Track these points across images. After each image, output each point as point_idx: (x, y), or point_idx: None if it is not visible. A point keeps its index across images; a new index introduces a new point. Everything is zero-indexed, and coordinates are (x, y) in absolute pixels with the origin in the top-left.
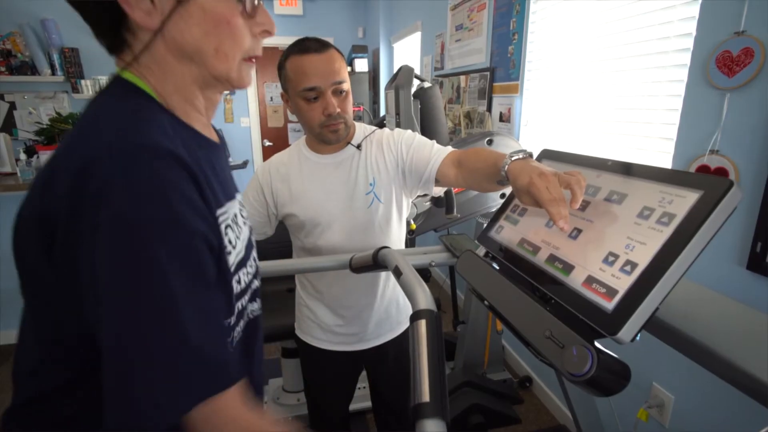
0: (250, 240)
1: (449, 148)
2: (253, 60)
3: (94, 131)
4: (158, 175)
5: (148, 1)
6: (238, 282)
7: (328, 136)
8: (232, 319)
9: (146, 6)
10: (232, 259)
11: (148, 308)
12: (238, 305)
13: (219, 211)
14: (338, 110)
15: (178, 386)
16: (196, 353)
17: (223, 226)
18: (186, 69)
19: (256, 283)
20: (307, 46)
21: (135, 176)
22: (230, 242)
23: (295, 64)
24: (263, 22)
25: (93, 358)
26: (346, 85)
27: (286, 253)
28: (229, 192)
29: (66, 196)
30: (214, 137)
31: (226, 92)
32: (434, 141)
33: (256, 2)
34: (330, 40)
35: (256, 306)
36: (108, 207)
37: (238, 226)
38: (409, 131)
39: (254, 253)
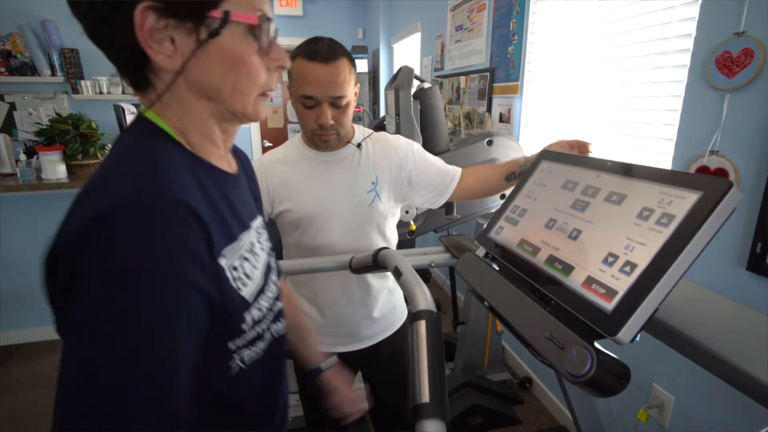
0: (268, 265)
1: (459, 168)
2: (268, 95)
3: (111, 178)
4: (166, 229)
5: (169, 44)
6: (259, 309)
7: (318, 144)
8: (238, 342)
9: (168, 49)
10: (250, 291)
11: (109, 360)
12: (257, 330)
13: (230, 247)
14: (331, 122)
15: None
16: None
17: (235, 262)
18: (204, 106)
19: (279, 305)
20: (316, 50)
21: (143, 229)
22: (246, 275)
23: (300, 67)
24: (278, 58)
25: None
26: (346, 99)
27: None
28: (243, 221)
29: (75, 239)
30: (232, 166)
31: None
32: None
33: (270, 41)
34: None
35: (280, 326)
36: (109, 253)
37: (254, 254)
38: (417, 144)
39: (273, 277)
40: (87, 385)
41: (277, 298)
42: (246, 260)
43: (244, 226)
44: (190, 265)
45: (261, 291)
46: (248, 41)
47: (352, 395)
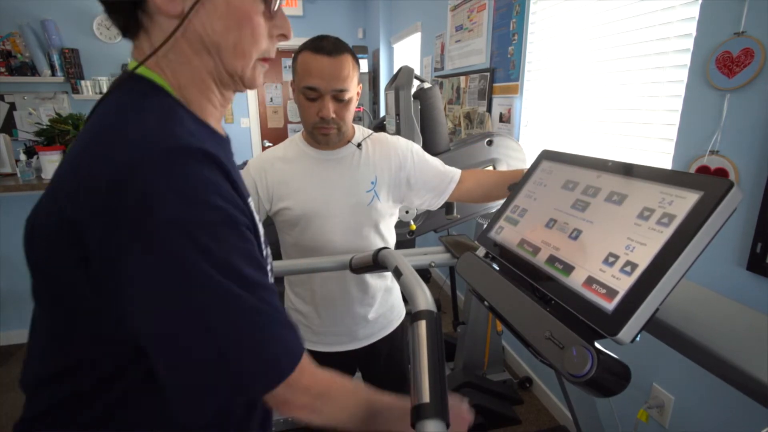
0: (265, 238)
1: (459, 170)
2: (267, 61)
3: (120, 136)
4: (198, 176)
5: None
6: (270, 274)
7: (318, 138)
8: None
9: None
10: (263, 251)
11: (217, 304)
12: None
13: (249, 201)
14: (333, 116)
15: (252, 375)
16: (266, 339)
17: (256, 217)
18: (202, 62)
19: (272, 278)
20: (322, 45)
21: (177, 180)
22: (261, 238)
23: (305, 60)
24: (282, 26)
25: (122, 364)
26: (349, 94)
27: None
28: (245, 188)
29: (102, 207)
30: (224, 133)
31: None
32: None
33: (278, 5)
34: None
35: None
36: (158, 213)
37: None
38: (417, 145)
39: (268, 250)
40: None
41: (272, 270)
42: (259, 224)
43: (248, 193)
44: (230, 207)
45: (266, 259)
46: (256, 1)
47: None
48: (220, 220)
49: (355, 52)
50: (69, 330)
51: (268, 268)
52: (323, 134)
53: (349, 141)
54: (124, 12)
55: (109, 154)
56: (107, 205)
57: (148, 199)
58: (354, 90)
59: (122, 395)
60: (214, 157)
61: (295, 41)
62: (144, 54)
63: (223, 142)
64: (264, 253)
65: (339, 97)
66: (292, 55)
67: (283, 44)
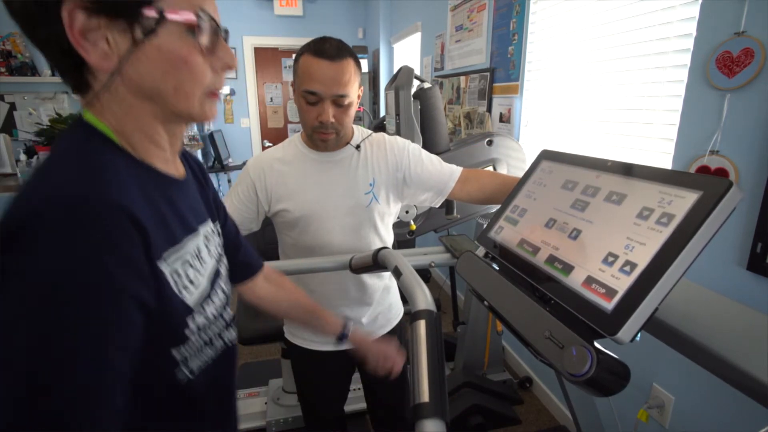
0: (217, 271)
1: (460, 167)
2: (217, 94)
3: (41, 179)
4: (96, 233)
5: (104, 45)
6: (205, 317)
7: (317, 142)
8: (184, 350)
9: (102, 49)
10: (194, 297)
11: (37, 375)
12: (204, 337)
13: (171, 251)
14: (332, 120)
15: None
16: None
17: (178, 266)
18: (146, 107)
19: (230, 311)
20: (324, 49)
21: (71, 233)
22: (190, 281)
23: (306, 63)
24: (223, 57)
25: None
26: (349, 99)
27: None
28: (189, 226)
29: (2, 245)
30: (180, 170)
31: (225, 93)
32: (438, 157)
33: (214, 40)
34: None
35: (233, 334)
36: (33, 257)
37: (201, 260)
38: (415, 144)
39: (221, 283)
40: (9, 403)
41: (226, 305)
42: (190, 266)
43: (189, 230)
44: (122, 270)
45: (207, 297)
46: (189, 41)
47: (386, 348)
48: (95, 285)
49: (356, 53)
50: None
51: (211, 301)
52: (322, 139)
53: (348, 142)
54: (72, 74)
55: (22, 198)
56: (2, 243)
57: (32, 243)
58: (354, 94)
59: None
60: (126, 210)
61: (296, 41)
62: (91, 105)
63: (169, 182)
64: (203, 290)
65: (339, 103)
66: (292, 55)
67: (282, 44)
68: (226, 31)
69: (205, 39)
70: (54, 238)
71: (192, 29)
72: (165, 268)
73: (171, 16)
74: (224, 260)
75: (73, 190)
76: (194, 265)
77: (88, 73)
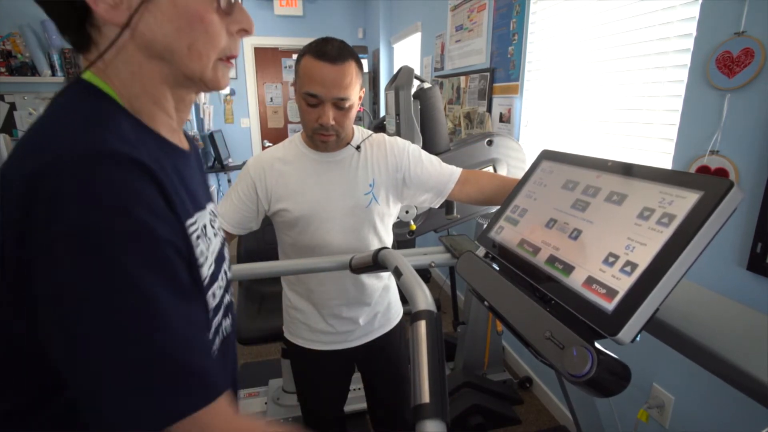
0: (221, 252)
1: (459, 168)
2: (231, 60)
3: (47, 136)
4: (116, 182)
5: None
6: (213, 297)
7: (317, 143)
8: (210, 335)
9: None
10: (205, 273)
11: (122, 321)
12: (215, 322)
13: (188, 222)
14: (332, 123)
15: (158, 402)
16: (178, 365)
17: (194, 237)
18: (156, 68)
19: (228, 298)
20: (326, 51)
21: (89, 185)
22: (202, 254)
23: (307, 65)
24: (241, 20)
25: (46, 383)
26: (350, 102)
27: None
28: (198, 202)
29: (16, 206)
30: (184, 144)
31: (225, 93)
32: (438, 158)
33: (231, 1)
34: None
35: (229, 322)
36: (61, 221)
37: (207, 237)
38: (415, 145)
39: (225, 266)
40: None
41: (226, 291)
42: (201, 240)
43: (197, 206)
44: (152, 219)
45: (214, 278)
46: None
47: None
48: (134, 231)
49: (357, 54)
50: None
51: (219, 285)
52: (322, 140)
53: (348, 143)
54: (73, 28)
55: (32, 154)
56: (20, 209)
57: (57, 206)
58: (356, 97)
59: (56, 417)
60: (143, 166)
61: (296, 41)
62: (94, 64)
63: (177, 152)
64: (212, 270)
65: (340, 105)
66: (292, 55)
67: (282, 44)
68: None
69: None
70: (81, 189)
71: None
72: (190, 231)
73: None
74: (227, 245)
75: (90, 142)
76: (204, 240)
77: (92, 27)
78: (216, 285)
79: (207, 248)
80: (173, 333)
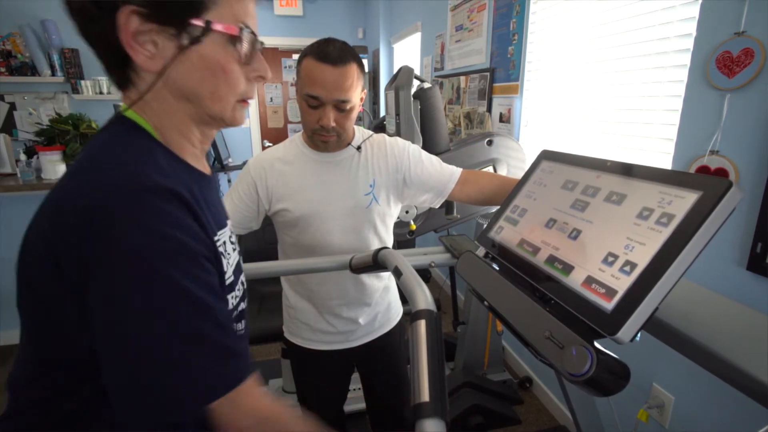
0: (238, 264)
1: (459, 169)
2: (248, 102)
3: (98, 171)
4: (159, 211)
5: (152, 47)
6: (229, 304)
7: (318, 143)
8: None
9: (150, 51)
10: (225, 282)
11: (173, 317)
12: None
13: (215, 239)
14: (333, 125)
15: (200, 380)
16: (223, 345)
17: (220, 251)
18: (183, 107)
19: (243, 306)
20: (327, 53)
21: (138, 214)
22: (224, 271)
23: (309, 66)
24: (258, 68)
25: (91, 372)
26: (350, 104)
27: None
28: (220, 221)
29: (75, 231)
30: (206, 169)
31: None
32: (438, 158)
33: (251, 52)
34: None
35: (242, 326)
36: (117, 242)
37: (227, 252)
38: (415, 145)
39: (242, 278)
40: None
41: (242, 299)
42: (223, 256)
43: (219, 225)
44: (191, 240)
45: (231, 287)
46: (229, 50)
47: None
48: (175, 249)
49: (359, 55)
50: (46, 342)
51: (234, 294)
52: (322, 141)
53: (348, 143)
54: (117, 71)
55: (86, 186)
56: (78, 234)
57: (112, 231)
58: (357, 99)
59: (93, 396)
60: (177, 194)
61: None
62: (133, 102)
63: (202, 178)
64: (230, 281)
65: (341, 107)
66: (292, 55)
67: (282, 44)
68: (262, 44)
69: (244, 50)
70: (127, 221)
71: (233, 40)
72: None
73: (217, 27)
74: (241, 256)
75: (130, 178)
76: (225, 256)
77: (132, 71)
78: (233, 294)
79: (228, 261)
80: (216, 322)
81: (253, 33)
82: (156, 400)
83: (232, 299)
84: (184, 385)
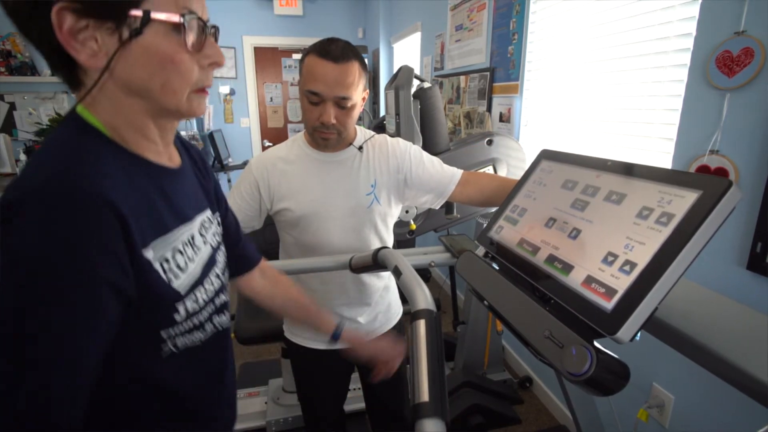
0: (212, 258)
1: (460, 170)
2: (206, 90)
3: (32, 170)
4: (74, 221)
5: (93, 44)
6: (195, 301)
7: (318, 141)
8: (172, 331)
9: (91, 48)
10: (184, 283)
11: (20, 327)
12: (194, 321)
13: (160, 240)
14: (333, 122)
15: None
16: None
17: (168, 254)
18: (135, 103)
19: (223, 297)
20: (329, 50)
21: (49, 221)
22: (179, 267)
23: (311, 64)
24: (211, 54)
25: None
26: (351, 102)
27: None
28: (183, 214)
29: None
30: (174, 161)
31: (225, 93)
32: (439, 159)
33: (200, 38)
34: None
35: (224, 319)
36: (19, 239)
37: (194, 246)
38: (417, 146)
39: (218, 270)
40: None
41: (220, 291)
42: (181, 253)
43: (183, 219)
44: (101, 258)
45: (198, 283)
46: (174, 39)
47: (383, 347)
48: (74, 267)
49: (361, 54)
50: None
51: (204, 289)
52: (322, 138)
53: (350, 143)
54: (64, 71)
55: (17, 183)
56: None
57: (12, 227)
58: (358, 97)
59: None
60: (110, 204)
61: (296, 41)
62: (84, 100)
63: (164, 173)
64: (195, 278)
65: (341, 104)
66: (292, 55)
67: (282, 44)
68: (216, 28)
69: (191, 38)
70: (39, 223)
71: (178, 28)
72: (151, 255)
73: (156, 16)
74: (222, 249)
75: (59, 181)
76: (186, 252)
77: (79, 70)
78: (200, 288)
79: (190, 259)
80: (55, 386)
81: (200, 18)
82: None
83: (201, 294)
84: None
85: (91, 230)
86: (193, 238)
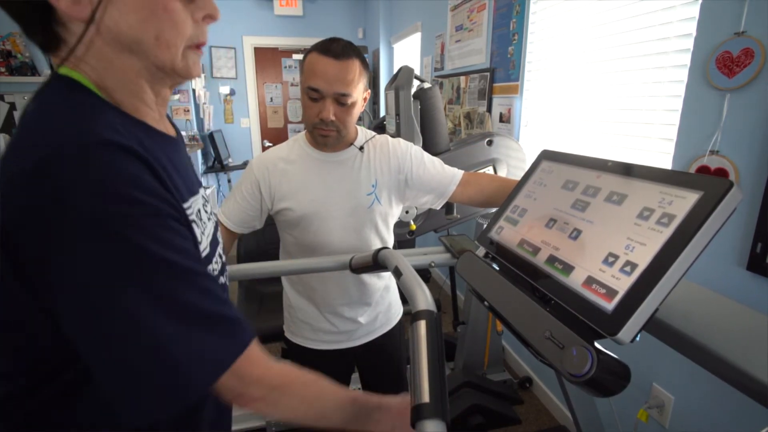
0: (215, 236)
1: (461, 171)
2: (200, 48)
3: (40, 131)
4: (114, 169)
5: None
6: None
7: (317, 138)
8: None
9: None
10: (201, 254)
11: (149, 289)
12: None
13: (185, 205)
14: (332, 118)
15: (196, 362)
16: (211, 327)
17: (191, 219)
18: (128, 62)
19: (223, 280)
20: (330, 48)
21: (90, 174)
22: (198, 236)
23: (312, 60)
24: (204, 6)
25: (63, 363)
26: (351, 99)
27: None
28: (191, 187)
29: (20, 208)
30: (171, 131)
31: (225, 94)
32: (440, 160)
33: None
34: None
35: None
36: (71, 211)
37: (202, 221)
38: (417, 147)
39: (219, 249)
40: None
41: (220, 274)
42: (196, 225)
43: (192, 191)
44: (154, 200)
45: (208, 260)
46: None
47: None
48: (139, 211)
49: (363, 54)
50: (14, 336)
51: (212, 268)
52: (322, 135)
53: (351, 143)
54: (38, 28)
55: (29, 150)
56: (25, 205)
57: (63, 197)
58: (358, 95)
59: (58, 396)
60: (135, 151)
61: (296, 41)
62: (66, 61)
63: (166, 140)
64: (206, 253)
65: (341, 101)
66: (292, 55)
67: (282, 44)
68: None
69: None
70: (78, 184)
71: None
72: (190, 213)
73: None
74: (218, 228)
75: (80, 136)
76: (199, 225)
77: (58, 25)
78: (210, 267)
79: (202, 232)
80: (201, 288)
81: None
82: (154, 389)
83: (212, 272)
84: (182, 365)
85: (132, 174)
86: (200, 212)
